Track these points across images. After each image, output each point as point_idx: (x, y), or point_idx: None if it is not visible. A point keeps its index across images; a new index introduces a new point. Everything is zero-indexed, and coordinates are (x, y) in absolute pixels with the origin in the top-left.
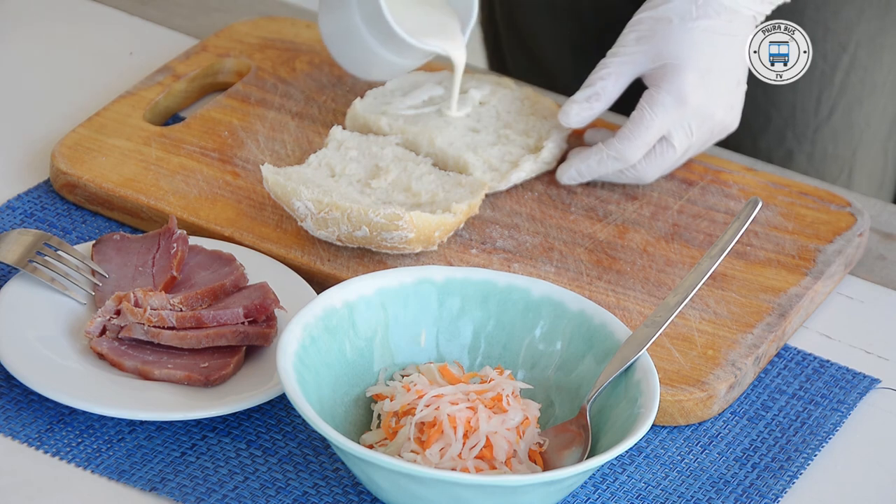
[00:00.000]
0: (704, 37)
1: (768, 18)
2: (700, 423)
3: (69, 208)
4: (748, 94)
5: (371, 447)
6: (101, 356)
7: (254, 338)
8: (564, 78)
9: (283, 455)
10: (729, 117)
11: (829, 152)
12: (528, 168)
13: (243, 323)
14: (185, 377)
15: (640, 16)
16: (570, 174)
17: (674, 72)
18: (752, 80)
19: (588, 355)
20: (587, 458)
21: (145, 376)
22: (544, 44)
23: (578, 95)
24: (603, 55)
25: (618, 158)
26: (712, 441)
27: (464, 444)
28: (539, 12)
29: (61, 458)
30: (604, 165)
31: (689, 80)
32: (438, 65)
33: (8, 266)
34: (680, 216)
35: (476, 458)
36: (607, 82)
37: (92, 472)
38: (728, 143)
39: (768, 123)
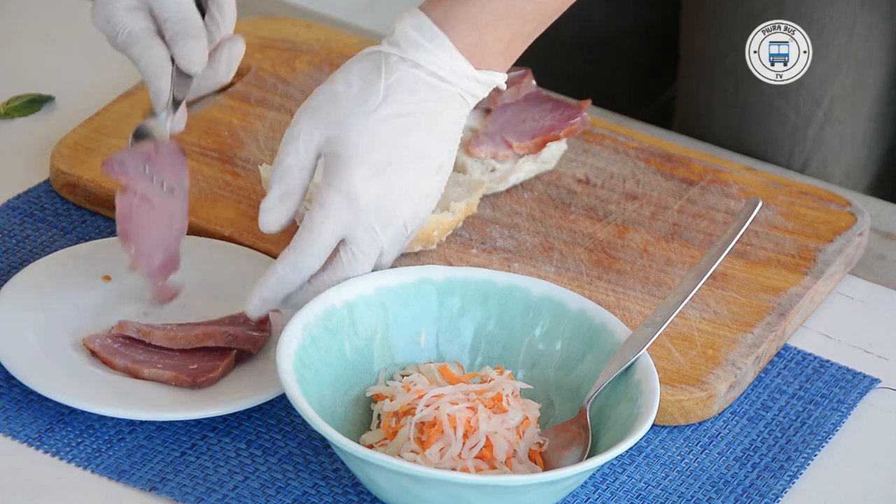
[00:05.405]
0: (386, 124)
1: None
2: (700, 423)
3: (69, 208)
4: (719, 140)
5: (371, 447)
6: (93, 353)
7: (242, 341)
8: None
9: (283, 455)
10: (424, 206)
11: None
12: (528, 168)
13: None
14: (172, 377)
15: (318, 88)
16: (255, 305)
17: (345, 166)
18: (723, 128)
19: (588, 355)
20: (587, 458)
21: (135, 375)
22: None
23: (270, 198)
24: (584, 69)
25: (295, 271)
26: (712, 441)
27: (464, 443)
28: None
29: (61, 458)
30: (285, 283)
31: (361, 175)
32: None
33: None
34: (680, 216)
35: (476, 458)
36: (294, 175)
37: (92, 472)
38: None
39: None
